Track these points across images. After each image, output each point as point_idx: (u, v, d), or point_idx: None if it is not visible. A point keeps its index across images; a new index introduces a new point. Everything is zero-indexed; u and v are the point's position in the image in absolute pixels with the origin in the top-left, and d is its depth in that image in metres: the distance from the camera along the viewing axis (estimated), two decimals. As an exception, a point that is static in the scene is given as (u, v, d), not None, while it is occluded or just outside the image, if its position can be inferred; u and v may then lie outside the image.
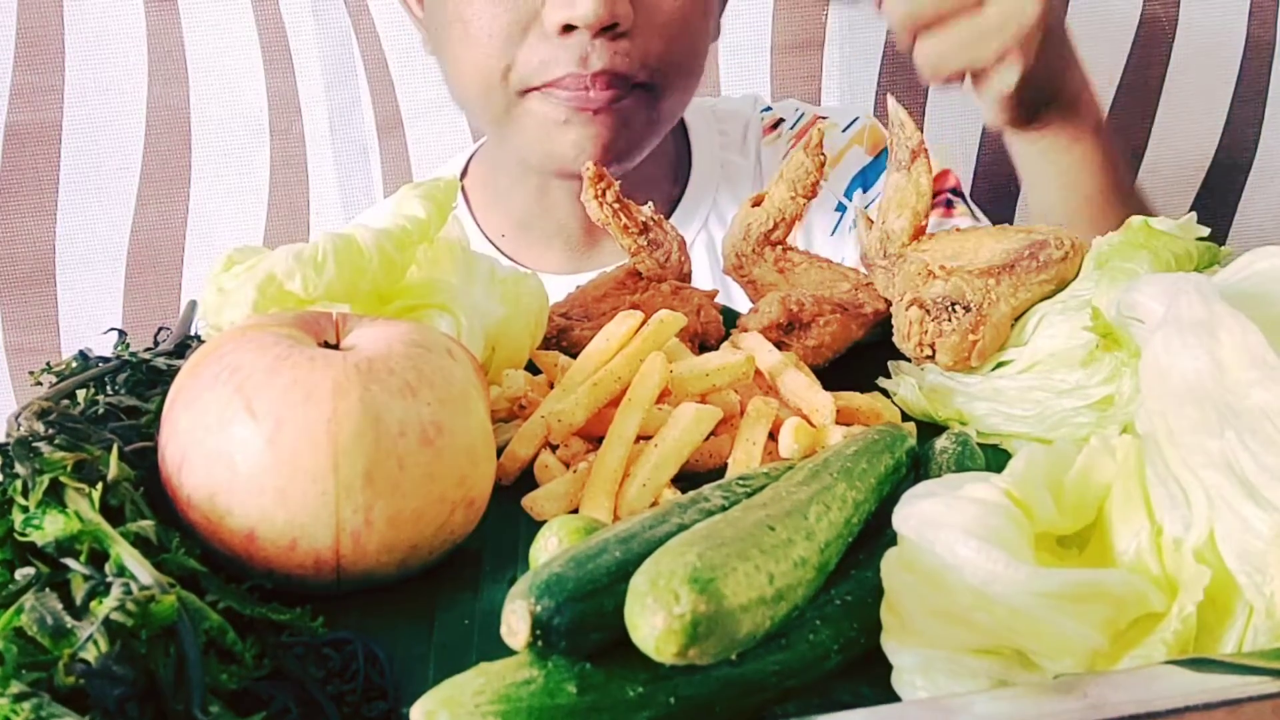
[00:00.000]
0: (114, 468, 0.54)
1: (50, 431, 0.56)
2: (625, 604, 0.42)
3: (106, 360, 0.68)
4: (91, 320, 1.50)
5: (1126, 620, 0.46)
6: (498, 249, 1.18)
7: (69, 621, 0.45)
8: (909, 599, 0.47)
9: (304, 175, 1.49)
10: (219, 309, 0.67)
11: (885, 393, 0.74)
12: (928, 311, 0.74)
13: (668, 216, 1.04)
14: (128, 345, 0.71)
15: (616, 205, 0.82)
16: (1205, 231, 0.72)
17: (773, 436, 0.66)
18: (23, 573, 0.49)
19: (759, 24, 1.45)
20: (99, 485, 0.53)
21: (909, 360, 0.77)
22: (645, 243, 0.83)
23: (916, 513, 0.48)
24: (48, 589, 0.48)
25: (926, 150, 0.80)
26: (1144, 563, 0.48)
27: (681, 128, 1.21)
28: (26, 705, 0.42)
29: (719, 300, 0.85)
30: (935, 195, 0.87)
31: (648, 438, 0.65)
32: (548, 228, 1.17)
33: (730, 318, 0.82)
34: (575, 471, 0.64)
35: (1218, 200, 1.52)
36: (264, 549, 0.53)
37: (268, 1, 1.43)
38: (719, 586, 0.41)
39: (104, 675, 0.43)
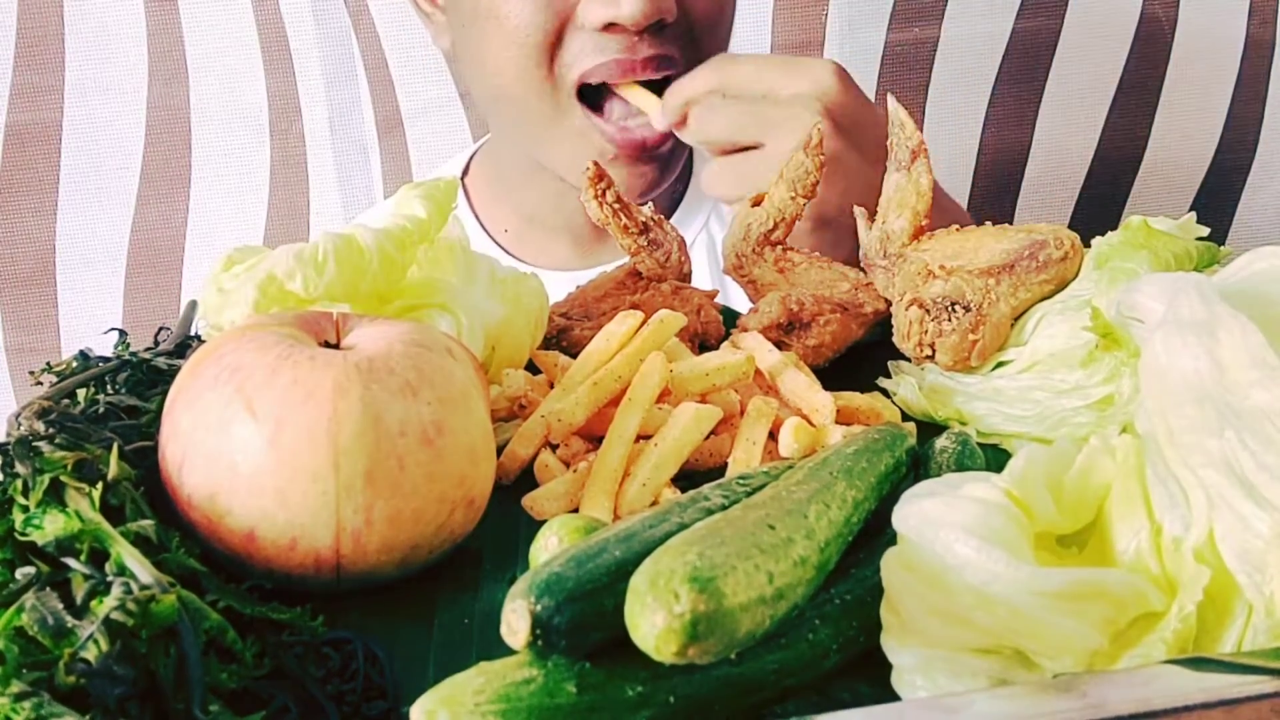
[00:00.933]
0: (114, 467, 0.54)
1: (50, 431, 0.56)
2: (625, 603, 0.42)
3: (107, 360, 0.68)
4: (91, 320, 1.50)
5: (1126, 620, 0.46)
6: (500, 246, 1.18)
7: (69, 621, 0.45)
8: (909, 598, 0.47)
9: (304, 175, 1.49)
10: (219, 309, 0.67)
11: (885, 393, 0.74)
12: (928, 311, 0.74)
13: (668, 217, 1.04)
14: (128, 345, 0.71)
15: (616, 205, 0.82)
16: (1205, 231, 0.72)
17: (773, 436, 0.66)
18: (23, 572, 0.49)
19: (759, 24, 1.45)
20: (99, 485, 0.53)
21: (909, 360, 0.77)
22: (645, 243, 0.83)
23: (916, 512, 0.48)
24: (48, 588, 0.48)
25: (926, 150, 0.80)
26: (1144, 562, 0.48)
27: None
28: (27, 704, 0.42)
29: (719, 300, 0.85)
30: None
31: (648, 437, 0.65)
32: (556, 223, 1.16)
33: (730, 318, 0.82)
34: (575, 471, 0.64)
35: (1217, 200, 1.52)
36: (264, 549, 0.53)
37: (268, 1, 1.43)
38: (719, 585, 0.41)
39: (104, 675, 0.43)
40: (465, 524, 0.58)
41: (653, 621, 0.41)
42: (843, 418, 0.69)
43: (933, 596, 0.46)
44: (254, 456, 0.52)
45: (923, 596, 0.46)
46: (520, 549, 0.59)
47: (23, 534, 0.50)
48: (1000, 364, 0.74)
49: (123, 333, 0.72)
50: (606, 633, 0.43)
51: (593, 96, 1.00)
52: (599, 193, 0.82)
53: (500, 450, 0.64)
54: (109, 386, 0.65)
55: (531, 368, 0.75)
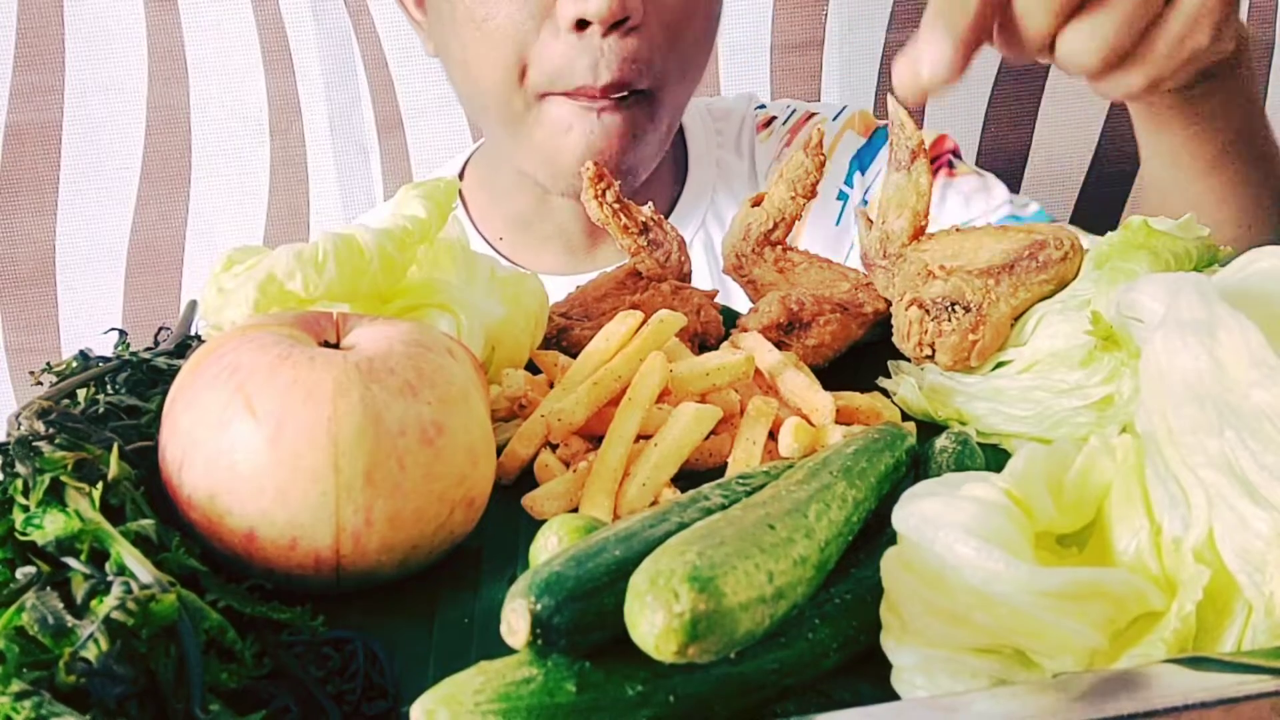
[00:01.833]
0: (114, 467, 0.54)
1: (50, 431, 0.56)
2: (625, 602, 0.42)
3: (106, 360, 0.68)
4: (91, 320, 1.50)
5: (1126, 619, 0.46)
6: (496, 251, 1.18)
7: (69, 620, 0.45)
8: (909, 598, 0.47)
9: (304, 175, 1.49)
10: (219, 309, 0.67)
11: (885, 393, 0.74)
12: (927, 311, 0.74)
13: (666, 217, 1.04)
14: (128, 345, 0.71)
15: (616, 205, 0.82)
16: (1205, 231, 0.72)
17: (772, 436, 0.66)
18: (23, 572, 0.49)
19: (759, 24, 1.46)
20: (99, 484, 0.53)
21: (909, 360, 0.77)
22: (645, 243, 0.84)
23: (916, 512, 0.48)
24: (48, 588, 0.48)
25: (926, 150, 0.80)
26: (1143, 562, 0.48)
27: (678, 127, 1.21)
28: (27, 704, 0.42)
29: (719, 300, 0.85)
30: (935, 160, 0.79)
31: (648, 437, 0.65)
32: (547, 229, 1.17)
33: (730, 318, 0.82)
34: (575, 471, 0.64)
35: (1217, 200, 1.52)
36: (264, 548, 0.53)
37: (268, 1, 1.43)
38: (718, 585, 0.41)
39: (104, 674, 0.43)
40: (465, 524, 0.58)
41: (652, 621, 0.41)
42: (843, 418, 0.69)
43: (933, 596, 0.46)
44: (254, 456, 0.52)
45: (923, 596, 0.46)
46: (520, 549, 0.59)
47: (23, 534, 0.50)
48: (1000, 364, 0.74)
49: (123, 333, 0.72)
50: (606, 632, 0.43)
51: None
52: (599, 193, 0.82)
53: (500, 450, 0.64)
54: (109, 386, 0.65)
55: (531, 368, 0.75)
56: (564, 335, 0.79)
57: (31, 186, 1.45)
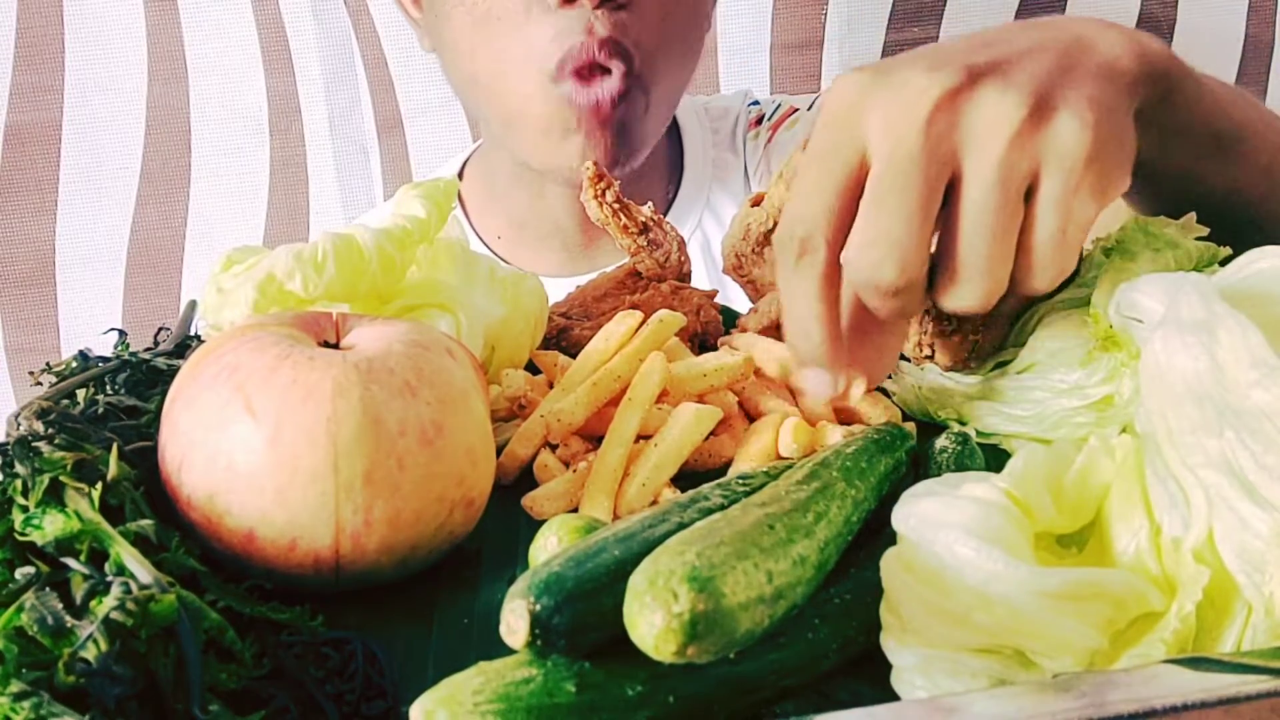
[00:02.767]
0: (114, 467, 0.54)
1: (50, 431, 0.56)
2: (624, 602, 0.42)
3: (106, 360, 0.68)
4: (91, 320, 1.50)
5: (1126, 619, 0.46)
6: (493, 252, 1.18)
7: (69, 621, 0.45)
8: (908, 598, 0.47)
9: (304, 175, 1.49)
10: (219, 309, 0.67)
11: (885, 393, 0.74)
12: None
13: (663, 215, 1.04)
14: (128, 345, 0.71)
15: (616, 205, 0.82)
16: (1205, 231, 0.72)
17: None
18: (23, 572, 0.49)
19: (758, 24, 1.46)
20: (99, 485, 0.53)
21: (909, 360, 0.77)
22: (645, 243, 0.84)
23: (916, 512, 0.48)
24: (47, 588, 0.48)
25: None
26: (1143, 562, 0.48)
27: (674, 126, 1.21)
28: (26, 704, 0.42)
29: (719, 300, 0.85)
30: None
31: (647, 437, 0.65)
32: (544, 229, 1.17)
33: (730, 318, 0.82)
34: (575, 471, 0.64)
35: (1217, 200, 1.52)
36: (263, 549, 0.53)
37: (268, 1, 1.43)
38: (718, 585, 0.41)
39: (104, 674, 0.43)
40: (465, 524, 0.58)
41: (651, 621, 0.41)
42: (843, 418, 0.69)
43: (932, 596, 0.46)
44: (253, 456, 0.52)
45: (922, 596, 0.46)
46: (520, 549, 0.59)
47: (22, 534, 0.50)
48: (1000, 364, 0.74)
49: (122, 333, 0.72)
50: (605, 632, 0.43)
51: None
52: (599, 193, 0.82)
53: (500, 450, 0.64)
54: (109, 387, 0.65)
55: (531, 368, 0.75)
56: (564, 335, 0.79)
57: (31, 186, 1.45)
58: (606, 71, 0.99)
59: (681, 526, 0.47)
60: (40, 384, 0.66)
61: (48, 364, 0.68)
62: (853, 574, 0.51)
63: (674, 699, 0.44)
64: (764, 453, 0.64)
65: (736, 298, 0.90)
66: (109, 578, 0.48)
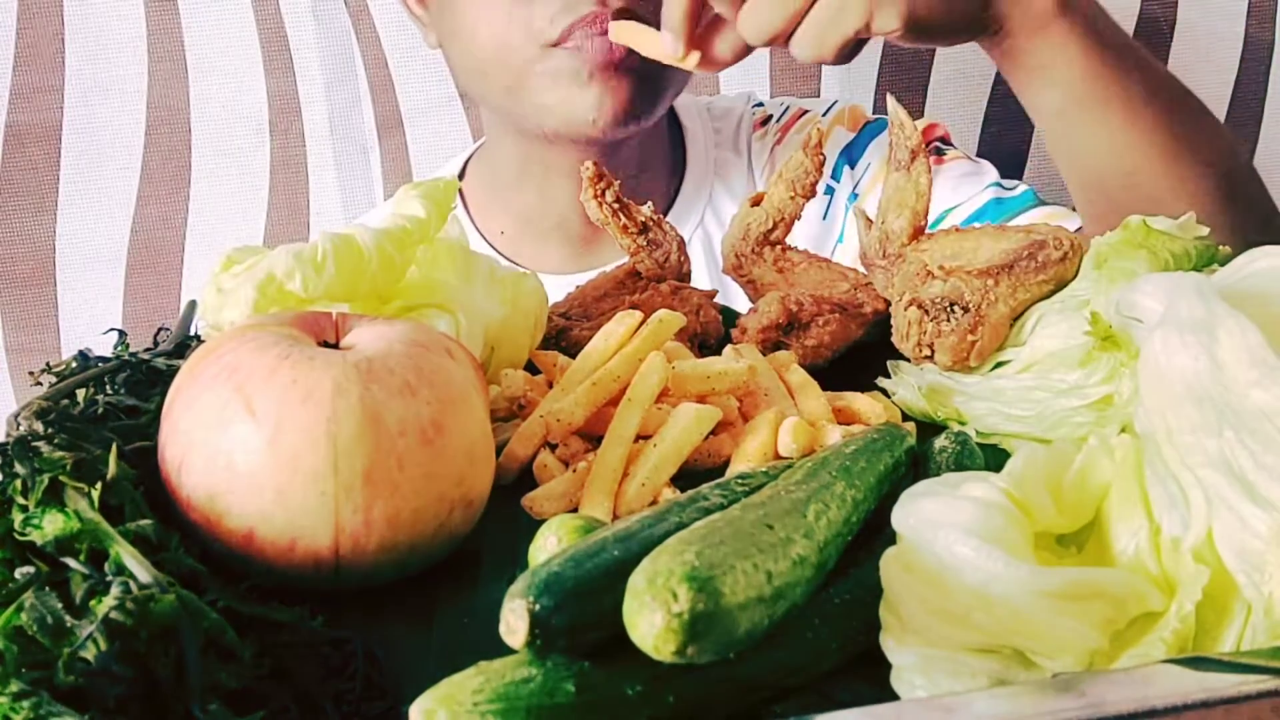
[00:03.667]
0: (113, 467, 0.54)
1: (50, 431, 0.56)
2: (624, 602, 0.42)
3: (106, 360, 0.68)
4: (91, 320, 1.50)
5: (1125, 619, 0.46)
6: (495, 249, 1.18)
7: (68, 620, 0.45)
8: (908, 598, 0.47)
9: (304, 175, 1.49)
10: (219, 309, 0.67)
11: (885, 393, 0.74)
12: (926, 312, 0.74)
13: (664, 214, 1.04)
14: (127, 345, 0.71)
15: (616, 205, 0.82)
16: (1204, 231, 0.72)
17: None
18: (22, 572, 0.49)
19: (759, 24, 1.45)
20: (98, 485, 0.53)
21: (908, 360, 0.77)
22: (645, 242, 0.84)
23: (916, 512, 0.48)
24: (47, 588, 0.48)
25: (926, 150, 0.80)
26: (1142, 562, 0.48)
27: (676, 125, 1.21)
28: (26, 704, 0.42)
29: (718, 300, 0.85)
30: (926, 144, 0.83)
31: (647, 437, 0.65)
32: (548, 224, 1.17)
33: (730, 318, 0.82)
34: (574, 471, 0.64)
35: (1217, 200, 1.51)
36: (263, 549, 0.53)
37: (268, 1, 1.43)
38: (717, 585, 0.41)
39: (103, 674, 0.43)
40: (464, 524, 0.58)
41: (651, 621, 0.41)
42: (843, 418, 0.69)
43: (932, 596, 0.46)
44: (253, 456, 0.52)
45: (922, 596, 0.46)
46: (519, 549, 0.59)
47: (22, 534, 0.50)
48: (999, 364, 0.74)
49: (122, 333, 0.72)
50: (605, 632, 0.43)
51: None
52: (598, 192, 0.82)
53: (499, 450, 0.64)
54: (108, 387, 0.65)
55: (531, 368, 0.75)
56: (563, 335, 0.79)
57: (31, 186, 1.45)
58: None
59: (681, 526, 0.47)
60: (40, 384, 0.66)
61: (48, 364, 0.68)
62: (853, 574, 0.51)
63: (674, 699, 0.44)
64: (761, 451, 0.64)
65: (736, 298, 0.90)
66: (109, 577, 0.48)
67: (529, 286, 0.77)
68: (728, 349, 0.75)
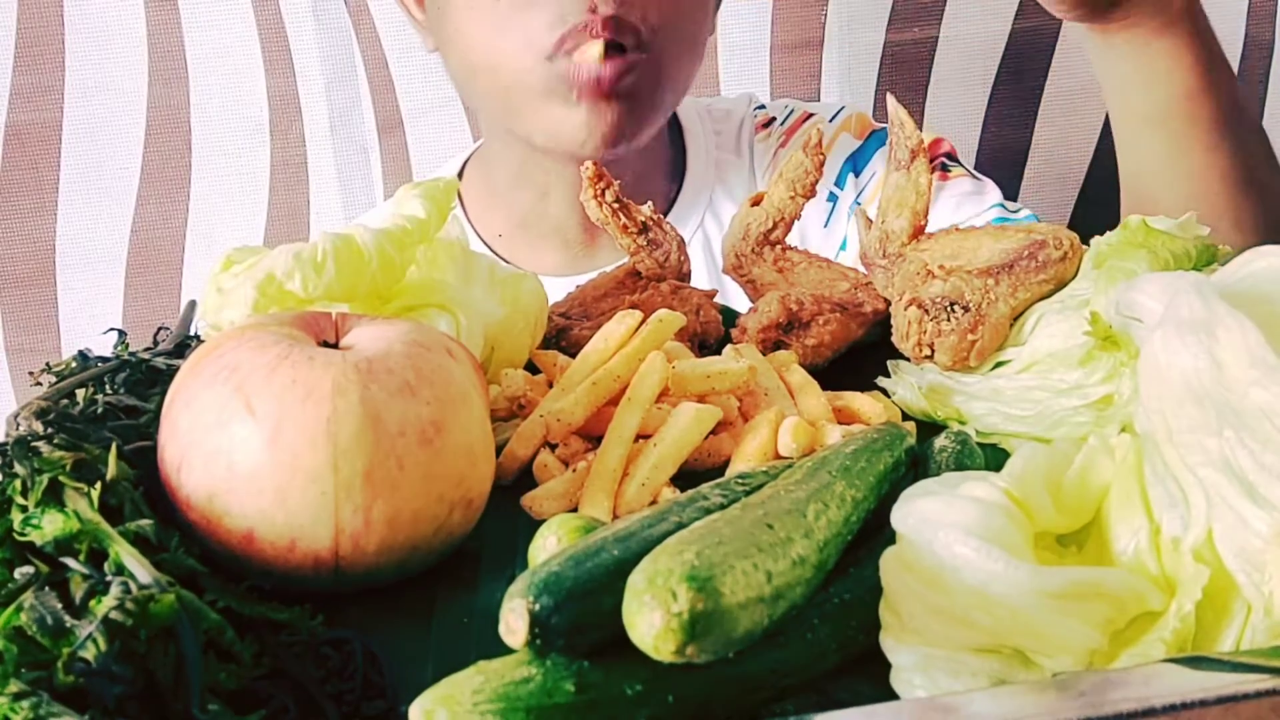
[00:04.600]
0: (113, 467, 0.54)
1: (49, 431, 0.56)
2: (623, 602, 0.42)
3: (106, 360, 0.68)
4: (91, 320, 1.50)
5: (1125, 619, 0.46)
6: (494, 251, 1.18)
7: (68, 620, 0.45)
8: (908, 598, 0.47)
9: (304, 175, 1.49)
10: (219, 309, 0.67)
11: (885, 392, 0.74)
12: (926, 311, 0.74)
13: (664, 215, 1.03)
14: (127, 345, 0.71)
15: (616, 205, 0.82)
16: (1204, 230, 0.72)
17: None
18: (22, 572, 0.49)
19: (758, 24, 1.45)
20: (98, 484, 0.53)
21: (908, 360, 0.77)
22: (645, 242, 0.83)
23: (915, 511, 0.48)
24: (47, 588, 0.48)
25: (926, 150, 0.80)
26: (1142, 562, 0.48)
27: (676, 126, 1.21)
28: (26, 704, 0.42)
29: (718, 300, 0.85)
30: (930, 161, 0.84)
31: (647, 437, 0.65)
32: (546, 228, 1.17)
33: (729, 318, 0.82)
34: (574, 470, 0.64)
35: (1217, 200, 1.51)
36: (263, 549, 0.53)
37: (268, 1, 1.43)
38: (717, 584, 0.41)
39: (103, 674, 0.43)
40: (464, 524, 0.58)
41: (650, 620, 0.41)
42: (843, 418, 0.69)
43: (932, 596, 0.46)
44: (252, 456, 0.52)
45: (922, 596, 0.46)
46: (519, 549, 0.59)
47: (22, 534, 0.50)
48: (999, 364, 0.74)
49: (122, 333, 0.72)
50: (605, 632, 0.43)
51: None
52: (598, 192, 0.82)
53: (499, 450, 0.64)
54: (108, 386, 0.65)
55: (531, 368, 0.75)
56: (563, 335, 0.79)
57: (31, 186, 1.45)
58: (619, 49, 0.98)
59: (681, 526, 0.47)
60: (40, 384, 0.66)
61: (48, 364, 0.68)
62: (853, 574, 0.51)
63: (673, 698, 0.44)
64: (761, 451, 0.64)
65: (736, 298, 0.90)
66: (108, 577, 0.48)
67: (529, 286, 0.77)
68: (728, 349, 0.75)
